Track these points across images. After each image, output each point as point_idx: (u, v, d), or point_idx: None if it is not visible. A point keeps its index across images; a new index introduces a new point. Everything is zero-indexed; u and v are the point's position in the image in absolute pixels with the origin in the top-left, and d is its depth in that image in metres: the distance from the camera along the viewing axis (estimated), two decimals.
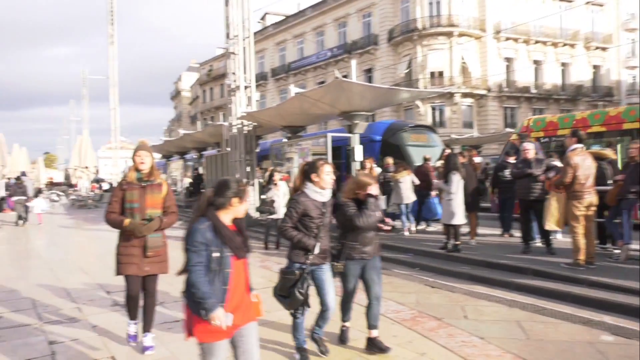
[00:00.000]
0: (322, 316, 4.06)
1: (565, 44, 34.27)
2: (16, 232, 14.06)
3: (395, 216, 11.71)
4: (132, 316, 4.23)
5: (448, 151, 9.44)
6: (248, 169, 14.17)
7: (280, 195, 9.60)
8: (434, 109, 32.18)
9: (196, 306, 2.68)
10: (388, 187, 10.73)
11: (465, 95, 31.73)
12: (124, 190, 3.99)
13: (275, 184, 9.55)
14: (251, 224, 13.94)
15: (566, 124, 11.48)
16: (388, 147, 13.32)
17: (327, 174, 3.90)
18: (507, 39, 32.67)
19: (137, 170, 4.03)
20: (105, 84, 36.89)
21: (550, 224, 7.26)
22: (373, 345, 4.16)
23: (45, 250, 10.22)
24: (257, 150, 14.95)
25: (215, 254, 2.71)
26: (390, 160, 11.21)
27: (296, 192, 3.98)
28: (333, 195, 4.06)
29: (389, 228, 4.42)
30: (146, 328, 4.17)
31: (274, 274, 7.47)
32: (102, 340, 4.48)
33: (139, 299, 4.17)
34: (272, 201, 9.37)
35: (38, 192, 29.99)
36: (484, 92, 32.13)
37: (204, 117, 55.96)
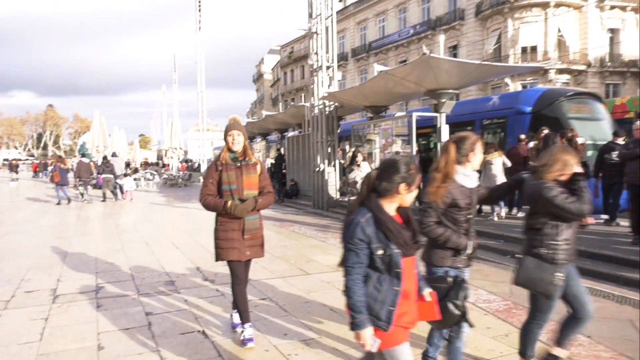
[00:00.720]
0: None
1: None
2: (113, 208, 15.19)
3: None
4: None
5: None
6: (329, 150, 14.10)
7: (363, 176, 9.42)
8: (524, 87, 30.10)
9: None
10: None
11: (561, 71, 29.24)
12: (219, 171, 3.76)
13: (358, 165, 9.37)
14: (332, 205, 13.96)
15: None
16: (542, 120, 10.77)
17: (481, 152, 3.13)
18: (613, 7, 29.52)
19: (231, 150, 3.82)
20: (194, 69, 38.62)
21: None
22: None
23: (140, 226, 10.90)
24: (338, 131, 14.81)
25: (379, 252, 2.30)
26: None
27: (445, 177, 3.04)
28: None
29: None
30: (244, 318, 3.86)
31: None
32: (193, 314, 4.62)
33: (246, 285, 3.97)
34: (355, 182, 9.23)
35: (135, 171, 32.39)
36: (583, 67, 29.41)
37: (284, 99, 56.93)
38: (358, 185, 9.19)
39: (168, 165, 34.22)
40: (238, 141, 3.79)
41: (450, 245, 3.04)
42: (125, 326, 4.29)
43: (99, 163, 19.59)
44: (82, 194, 17.26)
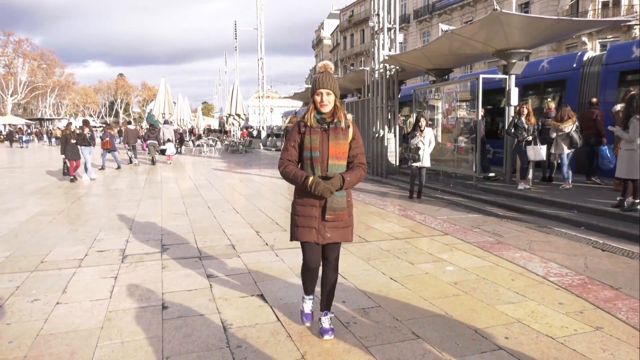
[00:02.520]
0: None
1: None
2: (178, 173, 15.73)
3: (553, 168, 10.44)
4: (308, 290, 3.44)
5: (633, 92, 7.85)
6: (389, 115, 13.72)
7: (426, 142, 9.04)
8: (604, 46, 27.66)
9: None
10: (548, 135, 9.48)
11: None
12: (302, 134, 3.16)
13: (422, 130, 8.99)
14: (391, 172, 13.67)
15: None
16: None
17: None
18: None
19: (318, 111, 3.16)
20: (255, 37, 38.73)
21: None
22: None
23: (203, 190, 11.21)
24: (399, 96, 14.33)
25: None
26: (552, 105, 9.83)
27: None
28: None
29: None
30: (324, 306, 3.41)
31: (416, 224, 7.19)
32: (252, 278, 4.67)
33: (318, 271, 3.38)
34: (417, 148, 8.88)
35: (198, 137, 33.39)
36: None
37: (344, 64, 56.05)
38: (420, 152, 8.86)
39: (230, 132, 34.95)
40: (328, 101, 3.11)
41: None
42: (187, 287, 4.40)
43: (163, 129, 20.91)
44: (130, 158, 19.05)
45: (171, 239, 6.36)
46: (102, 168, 16.72)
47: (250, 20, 60.61)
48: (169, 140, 20.27)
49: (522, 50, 9.54)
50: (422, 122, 9.00)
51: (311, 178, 3.04)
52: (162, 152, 20.44)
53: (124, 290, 4.33)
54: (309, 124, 3.13)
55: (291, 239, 3.31)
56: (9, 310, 3.89)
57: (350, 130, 3.19)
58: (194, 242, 6.14)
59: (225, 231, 6.79)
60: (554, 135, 9.23)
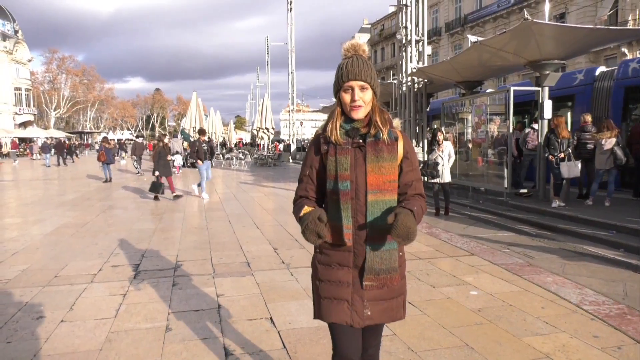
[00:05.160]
0: None
1: None
2: (208, 186, 15.79)
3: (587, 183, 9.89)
4: None
5: None
6: (417, 129, 13.40)
7: (445, 156, 8.70)
8: None
9: None
10: (585, 149, 8.99)
11: None
12: (325, 152, 2.00)
13: (439, 144, 8.66)
14: None
15: None
16: None
17: None
18: None
19: (347, 118, 1.98)
20: (286, 51, 39.07)
21: None
22: None
23: (226, 204, 11.14)
24: (427, 109, 14.01)
25: None
26: (588, 117, 9.34)
27: None
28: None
29: None
30: None
31: (440, 243, 6.84)
32: (262, 299, 4.46)
33: None
34: (436, 163, 8.53)
35: (229, 150, 33.73)
36: None
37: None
38: (439, 167, 8.52)
39: (260, 145, 35.18)
40: (363, 101, 1.92)
41: None
42: (194, 307, 4.23)
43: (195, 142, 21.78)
44: (136, 168, 20.80)
45: (187, 254, 6.25)
46: (107, 180, 17.19)
47: (283, 35, 61.42)
48: (177, 153, 21.64)
49: (555, 61, 9.12)
50: (440, 136, 8.69)
51: (307, 209, 1.93)
52: (192, 164, 21.58)
53: (130, 309, 4.20)
54: (333, 138, 1.97)
55: (315, 317, 2.10)
56: (12, 327, 3.81)
57: (400, 145, 2.00)
58: (209, 258, 6.00)
59: (242, 247, 6.64)
60: (590, 147, 8.77)
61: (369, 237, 1.94)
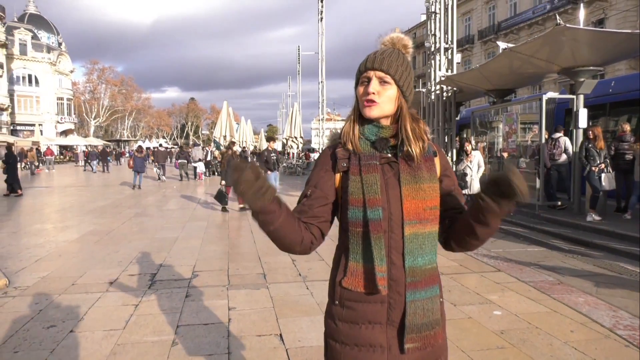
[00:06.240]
0: None
1: None
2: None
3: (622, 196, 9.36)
4: None
5: None
6: (446, 139, 13.08)
7: (474, 167, 8.39)
8: None
9: None
10: (623, 160, 8.52)
11: None
12: (343, 171, 1.52)
13: (468, 155, 8.37)
14: None
15: None
16: None
17: None
18: None
19: (366, 120, 1.53)
20: (318, 60, 39.22)
21: None
22: None
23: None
24: (458, 118, 13.67)
25: None
26: (627, 127, 8.86)
27: None
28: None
29: None
30: None
31: (465, 257, 6.55)
32: (274, 313, 4.33)
33: None
34: (464, 174, 8.24)
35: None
36: None
37: None
38: (467, 178, 8.23)
39: (290, 154, 35.29)
40: (380, 95, 1.49)
41: None
42: (204, 321, 4.14)
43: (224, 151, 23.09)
44: (159, 175, 22.16)
45: (205, 264, 6.19)
46: (136, 187, 17.70)
47: (316, 45, 61.80)
48: (199, 160, 23.28)
49: (591, 68, 8.71)
50: (467, 146, 8.42)
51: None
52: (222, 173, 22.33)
53: (140, 321, 4.14)
54: (352, 146, 1.52)
55: None
56: (22, 336, 3.80)
57: (437, 162, 1.57)
58: (226, 269, 5.92)
59: (261, 258, 6.54)
60: (629, 157, 8.30)
61: (408, 282, 1.46)
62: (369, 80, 1.49)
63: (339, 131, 1.62)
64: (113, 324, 4.05)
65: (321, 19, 37.22)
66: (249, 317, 4.26)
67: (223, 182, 11.42)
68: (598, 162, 8.32)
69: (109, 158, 32.38)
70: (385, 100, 1.48)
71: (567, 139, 10.03)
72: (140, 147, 20.63)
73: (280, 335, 3.84)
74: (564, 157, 10.04)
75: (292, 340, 3.73)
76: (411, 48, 1.61)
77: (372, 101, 1.47)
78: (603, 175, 8.29)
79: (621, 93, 11.10)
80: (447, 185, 1.56)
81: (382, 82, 1.48)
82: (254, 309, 4.45)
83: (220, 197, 11.28)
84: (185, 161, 22.93)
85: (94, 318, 4.21)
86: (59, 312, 4.35)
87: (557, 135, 10.00)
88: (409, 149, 1.47)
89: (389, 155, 1.50)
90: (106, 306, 4.54)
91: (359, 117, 1.54)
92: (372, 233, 1.43)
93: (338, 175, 1.53)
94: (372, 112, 1.48)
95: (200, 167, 22.83)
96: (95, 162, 31.29)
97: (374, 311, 1.47)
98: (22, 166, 33.31)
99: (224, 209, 11.33)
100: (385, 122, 1.51)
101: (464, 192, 8.50)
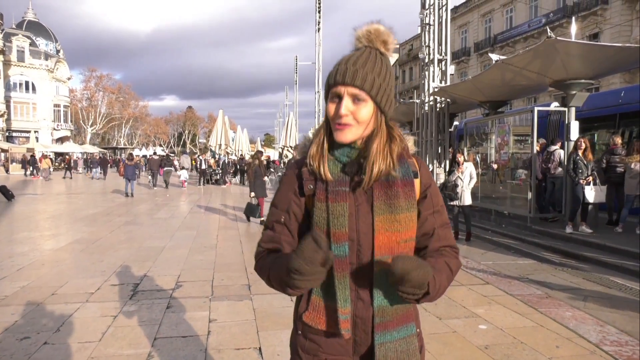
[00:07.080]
0: None
1: None
2: (219, 201, 15.76)
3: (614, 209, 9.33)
4: None
5: None
6: (439, 149, 13.07)
7: (465, 178, 8.34)
8: None
9: None
10: (614, 173, 8.50)
11: None
12: (308, 195, 1.35)
13: (459, 166, 8.33)
14: None
15: None
16: None
17: None
18: None
19: (336, 141, 1.32)
20: (315, 70, 39.37)
21: None
22: None
23: (241, 223, 11.00)
24: (451, 129, 13.67)
25: None
26: (619, 140, 8.84)
27: None
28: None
29: None
30: None
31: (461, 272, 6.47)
32: (255, 326, 4.24)
33: None
34: (455, 185, 8.19)
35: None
36: None
37: (402, 97, 55.65)
38: (458, 189, 8.18)
39: (286, 163, 35.34)
40: (355, 118, 1.27)
41: None
42: (183, 333, 4.04)
43: (222, 159, 24.43)
44: (151, 182, 23.06)
45: (189, 275, 6.09)
46: (127, 195, 17.62)
47: (313, 54, 62.04)
48: (183, 168, 24.34)
49: (583, 81, 8.71)
50: (459, 157, 8.38)
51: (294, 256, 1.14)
52: (216, 181, 24.44)
53: (117, 332, 4.04)
54: (321, 171, 1.32)
55: None
56: None
57: (417, 183, 1.38)
58: (210, 280, 5.83)
59: (247, 269, 6.45)
60: (620, 170, 8.27)
61: (376, 323, 1.30)
62: (340, 98, 1.27)
63: (311, 137, 1.42)
64: (89, 336, 3.95)
65: (318, 29, 37.42)
66: (229, 329, 4.16)
67: (252, 194, 10.83)
68: (586, 174, 8.28)
69: (108, 165, 33.29)
70: (361, 120, 1.27)
71: (562, 152, 10.01)
72: (131, 154, 20.64)
73: (259, 348, 3.75)
74: (560, 169, 10.02)
75: (270, 354, 3.64)
76: (393, 44, 1.34)
77: (345, 124, 1.27)
78: (587, 188, 8.23)
79: (632, 103, 10.99)
80: (425, 207, 1.36)
81: (355, 99, 1.26)
82: (235, 321, 4.36)
83: (251, 210, 10.72)
84: (171, 168, 23.82)
85: (69, 330, 4.11)
86: (35, 324, 4.25)
87: (553, 148, 9.97)
88: (391, 167, 1.30)
89: (356, 179, 1.30)
90: (84, 317, 4.44)
91: (329, 135, 1.33)
92: (336, 272, 1.26)
93: (304, 199, 1.36)
94: (345, 137, 1.28)
95: (184, 174, 23.80)
96: (95, 170, 32.05)
97: (338, 346, 1.34)
98: (29, 172, 33.53)
99: (263, 223, 10.59)
100: (361, 143, 1.31)
101: (454, 203, 8.45)
